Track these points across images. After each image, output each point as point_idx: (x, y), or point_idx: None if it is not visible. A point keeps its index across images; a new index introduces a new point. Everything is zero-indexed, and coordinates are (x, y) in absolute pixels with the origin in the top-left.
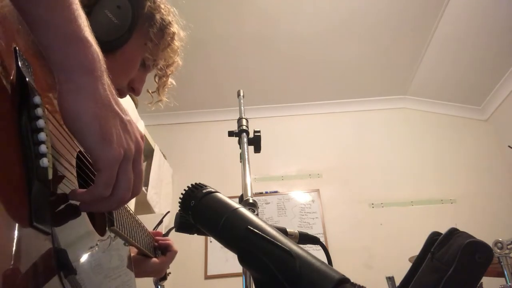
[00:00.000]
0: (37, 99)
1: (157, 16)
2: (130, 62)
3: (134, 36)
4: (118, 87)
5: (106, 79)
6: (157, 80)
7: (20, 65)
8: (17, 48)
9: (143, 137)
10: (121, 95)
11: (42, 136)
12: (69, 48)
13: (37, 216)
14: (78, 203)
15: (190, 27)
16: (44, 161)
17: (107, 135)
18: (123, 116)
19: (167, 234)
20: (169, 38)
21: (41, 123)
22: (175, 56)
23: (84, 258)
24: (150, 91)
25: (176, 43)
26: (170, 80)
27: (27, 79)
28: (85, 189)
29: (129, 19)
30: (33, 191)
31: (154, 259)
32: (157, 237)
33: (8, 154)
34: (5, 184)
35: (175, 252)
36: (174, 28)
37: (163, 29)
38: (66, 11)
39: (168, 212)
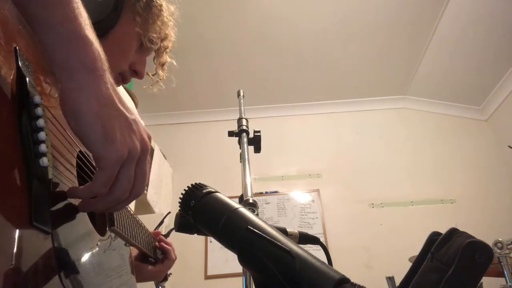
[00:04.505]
0: (37, 99)
1: None
2: (125, 41)
3: (122, 16)
4: (119, 71)
5: (109, 78)
6: (155, 61)
7: (20, 65)
8: (17, 48)
9: (150, 137)
10: (125, 80)
11: (42, 135)
12: (69, 47)
13: (37, 215)
14: (77, 203)
15: (188, 22)
16: (44, 161)
17: (110, 134)
18: (128, 115)
19: (167, 234)
20: (157, 11)
21: (41, 122)
22: (167, 28)
23: (85, 257)
24: (150, 74)
25: (165, 14)
26: (170, 60)
27: (27, 78)
28: (82, 186)
29: None
30: (33, 190)
31: (151, 267)
32: (159, 238)
33: (8, 153)
34: (5, 183)
35: (173, 261)
36: (161, 1)
37: (150, 3)
38: (66, 10)
39: (169, 212)
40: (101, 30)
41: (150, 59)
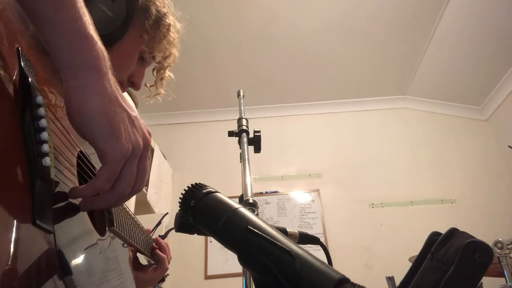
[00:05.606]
0: (39, 99)
1: (152, 8)
2: (128, 55)
3: (130, 30)
4: (118, 81)
5: (111, 76)
6: (155, 74)
7: (22, 65)
8: (19, 48)
9: (150, 133)
10: (122, 89)
11: (44, 135)
12: (74, 46)
13: (40, 214)
14: (78, 202)
15: (188, 22)
16: (47, 160)
17: (115, 130)
18: (130, 112)
19: (165, 235)
20: (165, 30)
21: (43, 122)
22: (172, 47)
23: (85, 257)
24: (148, 85)
25: (172, 34)
26: (169, 73)
27: (29, 79)
28: (84, 185)
29: (123, 12)
30: (35, 189)
31: (143, 275)
32: (156, 240)
33: (11, 153)
34: (8, 183)
35: (166, 269)
36: (170, 19)
37: (159, 21)
38: (71, 10)
39: (167, 213)
40: (108, 41)
41: (149, 70)
